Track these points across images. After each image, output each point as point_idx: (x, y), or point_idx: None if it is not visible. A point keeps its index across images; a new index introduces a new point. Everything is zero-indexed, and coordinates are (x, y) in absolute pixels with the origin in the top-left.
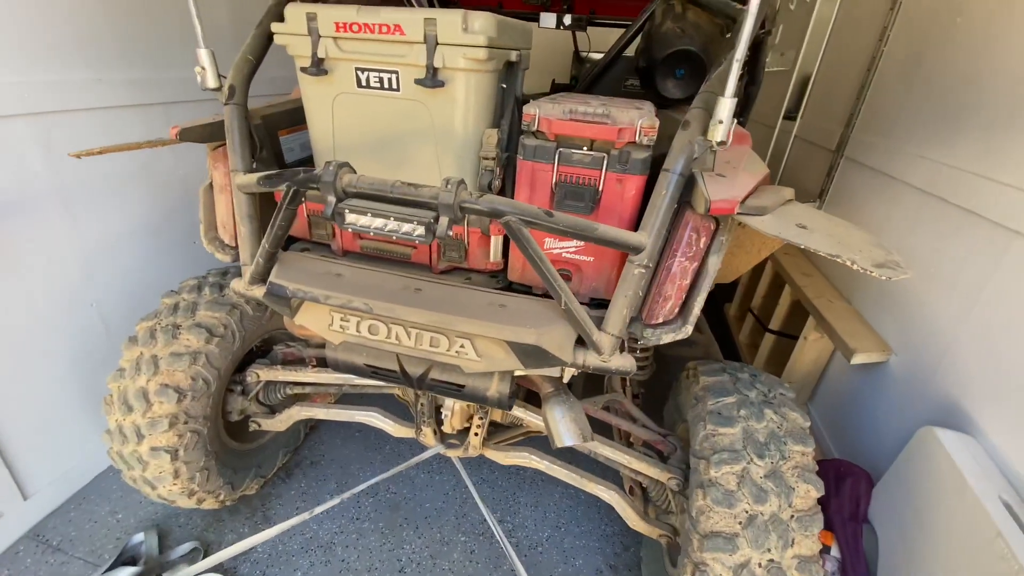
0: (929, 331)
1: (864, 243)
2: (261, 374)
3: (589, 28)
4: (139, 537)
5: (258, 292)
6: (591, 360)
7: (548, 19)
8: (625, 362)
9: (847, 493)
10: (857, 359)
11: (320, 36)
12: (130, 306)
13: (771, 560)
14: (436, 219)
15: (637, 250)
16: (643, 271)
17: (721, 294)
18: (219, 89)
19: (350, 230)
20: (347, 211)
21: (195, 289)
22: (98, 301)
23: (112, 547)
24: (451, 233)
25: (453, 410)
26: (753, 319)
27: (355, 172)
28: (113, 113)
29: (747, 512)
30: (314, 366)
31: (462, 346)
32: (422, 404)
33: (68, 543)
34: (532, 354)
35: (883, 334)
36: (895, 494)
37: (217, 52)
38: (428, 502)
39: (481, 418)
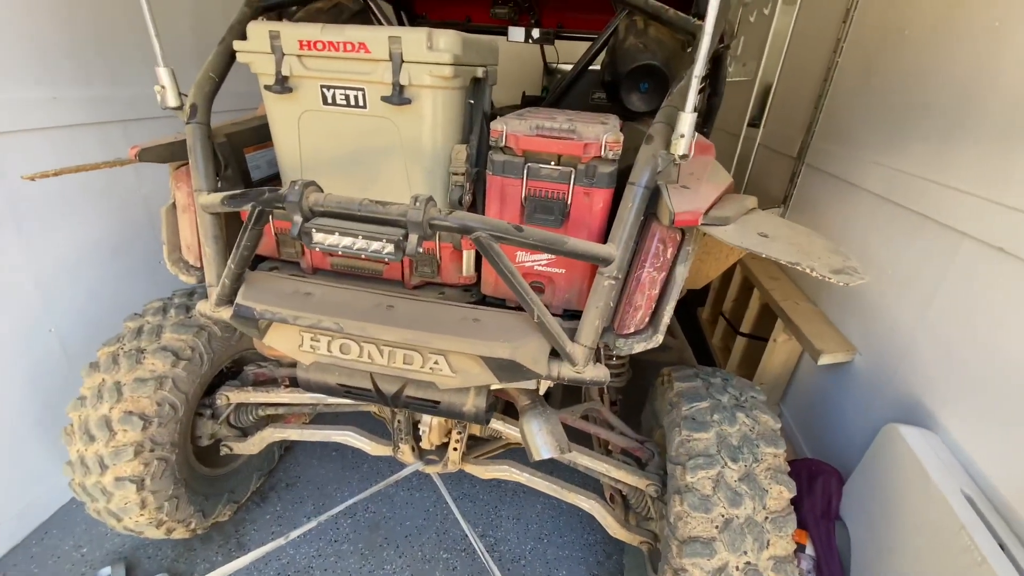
0: (890, 331)
1: (823, 250)
2: (231, 396)
3: (557, 41)
4: (106, 571)
5: (225, 314)
6: (566, 372)
7: (516, 33)
8: (599, 372)
9: (819, 492)
10: (824, 359)
11: (284, 54)
12: (91, 331)
13: (748, 563)
14: (405, 236)
15: (606, 262)
16: (613, 282)
17: (694, 299)
18: (180, 108)
19: (318, 250)
20: (314, 230)
21: (160, 311)
22: (57, 326)
23: None
24: (421, 249)
25: (431, 426)
26: (725, 323)
27: (322, 191)
28: (69, 132)
29: (723, 516)
30: (287, 386)
31: (436, 362)
32: (399, 421)
33: None
34: (507, 368)
35: (848, 335)
36: (863, 491)
37: (178, 70)
38: (409, 520)
39: (459, 433)
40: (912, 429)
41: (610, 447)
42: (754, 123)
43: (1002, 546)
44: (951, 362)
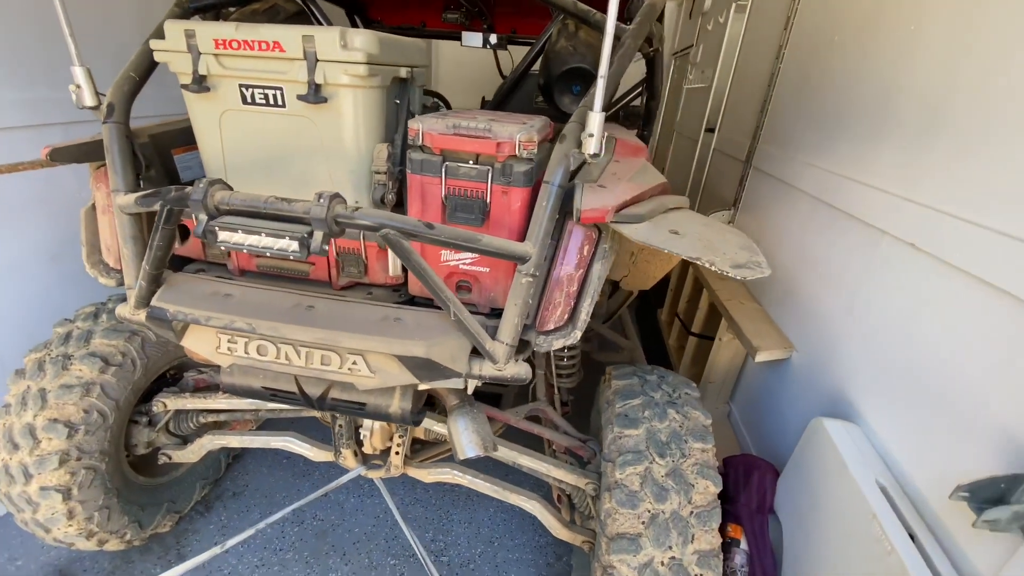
0: (822, 328)
1: (734, 246)
2: (168, 403)
3: (512, 47)
4: None
5: (142, 316)
6: (487, 370)
7: (472, 38)
8: (520, 370)
9: (754, 487)
10: (760, 356)
11: (200, 53)
12: (27, 338)
13: (673, 558)
14: (310, 234)
15: (523, 259)
16: (531, 280)
17: (656, 301)
18: (98, 107)
19: (223, 248)
20: (218, 228)
21: (91, 317)
22: None
23: None
24: (327, 247)
25: (372, 430)
26: (679, 323)
27: (230, 189)
28: (6, 135)
29: (649, 511)
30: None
31: (354, 363)
32: (340, 425)
33: None
34: (424, 367)
35: (787, 332)
36: (794, 484)
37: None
38: (358, 527)
39: (401, 436)
40: (835, 422)
41: (555, 447)
42: (711, 128)
43: (912, 536)
44: (871, 356)
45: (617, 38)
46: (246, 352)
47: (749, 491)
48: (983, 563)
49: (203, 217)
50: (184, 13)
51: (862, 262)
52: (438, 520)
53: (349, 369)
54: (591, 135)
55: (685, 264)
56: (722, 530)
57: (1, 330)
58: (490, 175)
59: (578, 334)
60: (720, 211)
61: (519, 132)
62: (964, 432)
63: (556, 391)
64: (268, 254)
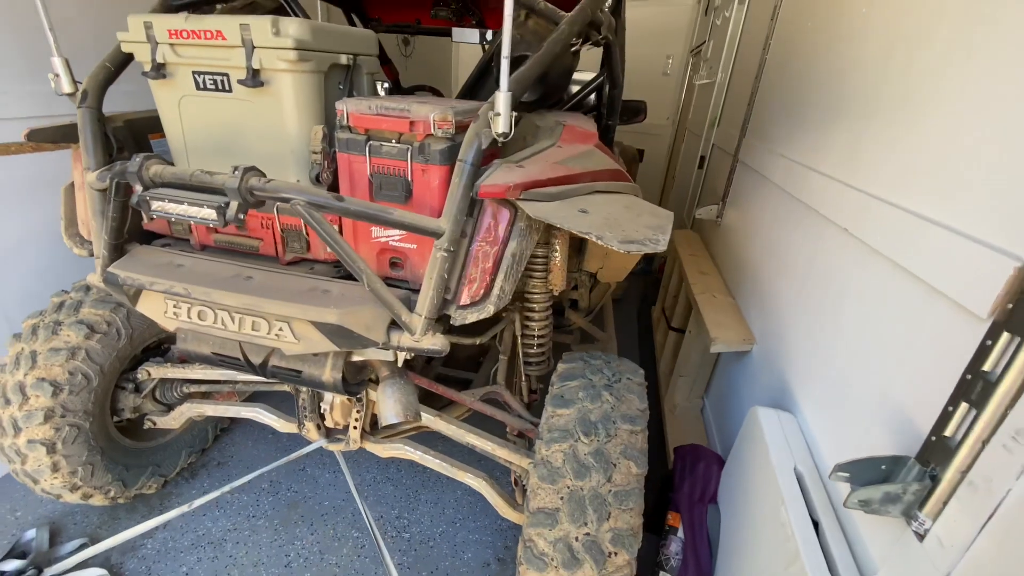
0: (777, 319)
1: (639, 225)
2: (152, 372)
3: None
4: (31, 533)
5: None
6: (405, 340)
7: (465, 34)
8: (436, 342)
9: (699, 476)
10: (715, 347)
11: (157, 43)
12: (34, 308)
13: (587, 534)
14: (227, 204)
15: (436, 234)
16: (445, 255)
17: (654, 297)
18: (74, 94)
19: (156, 217)
20: (149, 198)
21: (83, 289)
22: (3, 305)
23: (6, 543)
24: (241, 217)
25: (332, 404)
26: (664, 318)
27: (165, 164)
28: (16, 124)
29: (568, 488)
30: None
31: (280, 329)
32: (303, 399)
33: None
34: (340, 334)
35: (752, 325)
36: (732, 474)
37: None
38: (328, 500)
39: (359, 412)
40: (769, 410)
41: (508, 429)
42: (716, 124)
43: (816, 523)
44: (810, 345)
45: (556, 24)
46: (188, 317)
47: (693, 480)
48: (876, 550)
49: (139, 188)
50: (167, 9)
51: (809, 251)
52: (405, 499)
53: (276, 335)
54: (498, 114)
55: (675, 260)
56: (662, 518)
57: (12, 300)
58: (410, 153)
59: (492, 309)
60: (711, 206)
61: (435, 112)
62: (873, 418)
63: (530, 379)
64: (193, 222)
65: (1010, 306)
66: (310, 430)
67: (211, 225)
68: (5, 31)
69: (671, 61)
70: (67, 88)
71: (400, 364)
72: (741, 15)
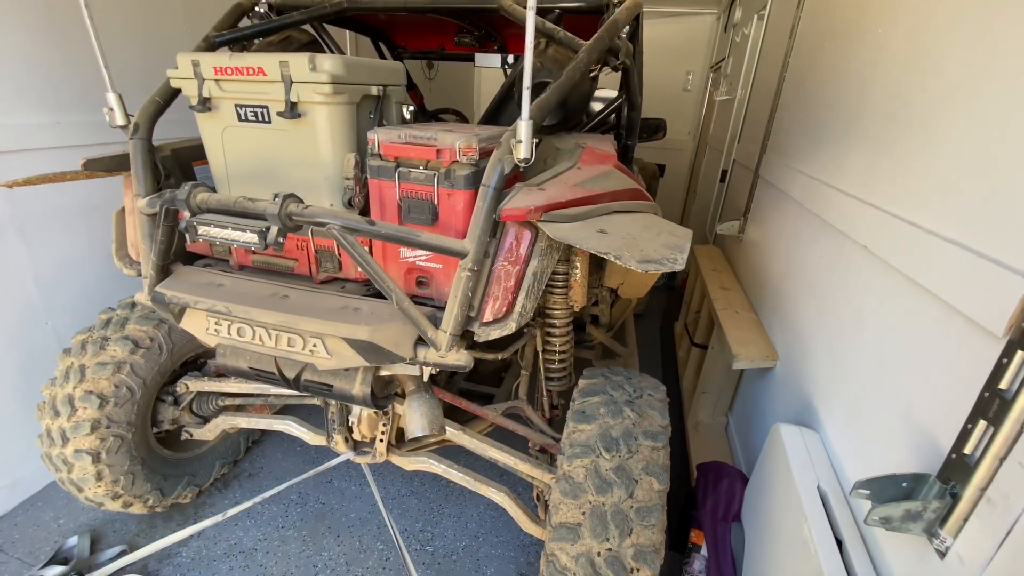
0: (800, 336)
1: (657, 244)
2: (191, 385)
3: None
4: (73, 540)
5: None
6: (431, 356)
7: (487, 59)
8: (461, 357)
9: (722, 494)
10: (737, 364)
11: (204, 79)
12: (83, 325)
13: (609, 549)
14: (268, 228)
15: (461, 255)
16: (469, 274)
17: (676, 312)
18: (126, 126)
19: (201, 240)
20: (196, 224)
21: (129, 306)
22: (53, 321)
23: (49, 549)
24: (281, 241)
25: (360, 417)
26: (687, 334)
27: (211, 192)
28: (69, 152)
29: (590, 503)
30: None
31: (315, 345)
32: (332, 412)
33: (10, 545)
34: (371, 350)
35: (775, 342)
36: (756, 491)
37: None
38: (355, 512)
39: (385, 425)
40: (791, 427)
41: (531, 444)
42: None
43: (840, 541)
44: (832, 362)
45: (575, 52)
46: (229, 333)
47: (716, 498)
48: (900, 568)
49: (187, 214)
50: (210, 47)
51: (829, 268)
52: (429, 512)
53: (311, 351)
54: (519, 141)
55: (697, 275)
56: (685, 536)
57: (62, 318)
58: (436, 179)
59: (513, 326)
60: (732, 221)
61: (459, 140)
62: (895, 436)
63: (547, 394)
64: (236, 245)
65: None
66: (338, 442)
67: (252, 248)
68: (63, 69)
69: (691, 77)
70: (120, 121)
71: (426, 379)
72: (760, 33)
